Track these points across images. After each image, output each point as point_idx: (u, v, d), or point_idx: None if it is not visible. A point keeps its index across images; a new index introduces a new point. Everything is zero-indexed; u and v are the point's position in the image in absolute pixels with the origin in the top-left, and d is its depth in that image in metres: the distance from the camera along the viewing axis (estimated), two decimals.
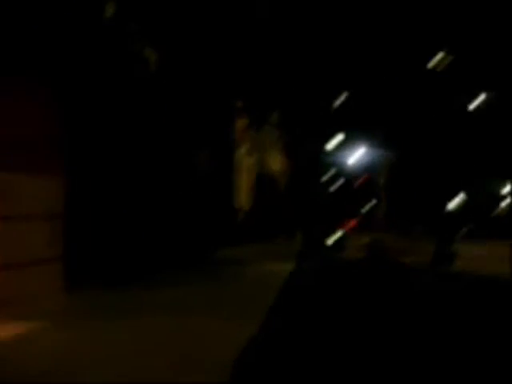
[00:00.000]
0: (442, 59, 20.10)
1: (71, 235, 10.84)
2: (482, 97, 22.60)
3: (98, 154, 11.94)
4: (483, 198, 55.56)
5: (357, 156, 29.02)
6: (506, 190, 56.87)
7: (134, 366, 5.63)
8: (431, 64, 19.82)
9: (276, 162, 42.47)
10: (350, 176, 38.50)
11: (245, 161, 31.74)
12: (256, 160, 34.54)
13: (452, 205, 35.32)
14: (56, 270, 10.31)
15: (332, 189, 36.38)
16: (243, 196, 31.28)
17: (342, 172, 35.47)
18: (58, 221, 10.44)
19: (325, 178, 36.74)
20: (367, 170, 32.14)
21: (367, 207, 59.99)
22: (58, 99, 10.41)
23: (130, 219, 13.75)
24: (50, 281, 10.01)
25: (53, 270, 10.22)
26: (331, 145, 29.40)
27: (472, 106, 22.73)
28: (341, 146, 29.15)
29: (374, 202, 25.50)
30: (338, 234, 29.07)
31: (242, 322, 7.76)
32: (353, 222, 65.86)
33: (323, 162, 34.76)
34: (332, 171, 36.72)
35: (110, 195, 12.72)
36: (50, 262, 10.14)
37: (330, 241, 29.06)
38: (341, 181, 37.40)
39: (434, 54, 19.87)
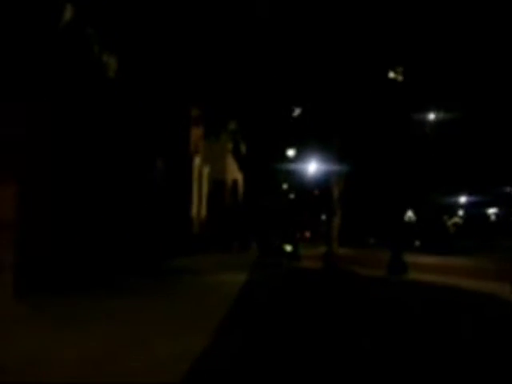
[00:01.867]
0: (397, 74, 20.43)
1: (23, 243, 10.62)
2: (436, 113, 23.04)
3: (53, 161, 11.75)
4: (435, 213, 56.68)
5: (312, 168, 29.21)
6: (461, 201, 58.22)
7: (74, 374, 5.51)
8: (389, 76, 20.11)
9: (232, 172, 42.51)
10: (305, 188, 38.77)
11: (201, 170, 31.68)
12: (212, 169, 34.54)
13: (405, 217, 35.83)
14: (6, 277, 10.08)
15: (287, 200, 36.55)
16: (199, 205, 31.19)
17: (297, 184, 35.69)
18: (9, 229, 10.21)
19: (280, 190, 36.92)
20: (322, 183, 32.41)
21: (322, 219, 60.47)
22: (14, 105, 10.22)
23: (84, 228, 13.56)
24: (0, 288, 9.77)
25: (3, 277, 9.99)
26: (287, 156, 29.53)
27: (426, 121, 23.16)
28: (296, 157, 29.33)
29: (328, 213, 25.66)
30: (293, 244, 29.24)
31: (189, 332, 7.70)
32: (307, 233, 66.37)
33: (278, 173, 34.92)
34: (287, 183, 36.92)
35: (63, 204, 12.51)
36: (1, 269, 9.90)
37: (286, 251, 29.19)
38: (296, 193, 37.63)
39: (390, 68, 20.16)
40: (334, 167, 24.55)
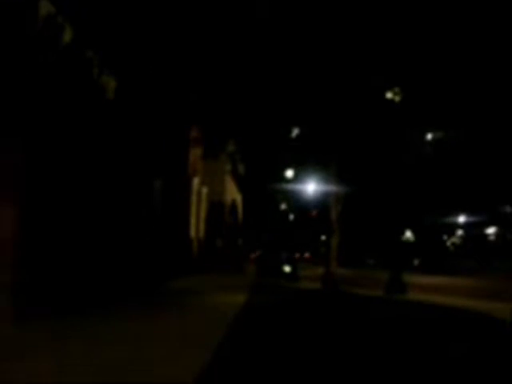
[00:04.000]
0: (395, 95, 20.54)
1: (22, 264, 10.60)
2: (433, 133, 23.13)
3: (54, 182, 11.77)
4: (434, 232, 56.66)
5: (310, 188, 29.24)
6: (459, 221, 58.21)
7: None
8: (386, 96, 20.21)
9: (230, 193, 42.53)
10: (304, 209, 38.76)
11: (199, 191, 31.71)
12: (210, 190, 34.58)
13: (404, 237, 35.77)
14: (5, 297, 10.05)
15: (286, 221, 36.54)
16: (198, 226, 31.18)
17: (295, 205, 35.69)
18: (8, 249, 10.21)
19: (279, 210, 36.90)
20: (320, 204, 32.42)
21: (321, 240, 60.39)
22: (13, 129, 10.25)
23: (83, 249, 13.54)
24: None
25: (1, 297, 9.96)
26: (285, 177, 29.59)
27: (425, 141, 23.23)
28: (295, 178, 29.37)
29: (327, 235, 25.65)
30: (292, 265, 29.17)
31: (185, 354, 7.69)
32: (307, 255, 66.25)
33: (277, 193, 34.95)
34: (286, 203, 36.93)
35: (63, 225, 12.51)
36: None
37: (285, 272, 29.12)
38: (295, 214, 37.62)
39: (388, 89, 20.28)
40: (332, 188, 24.57)
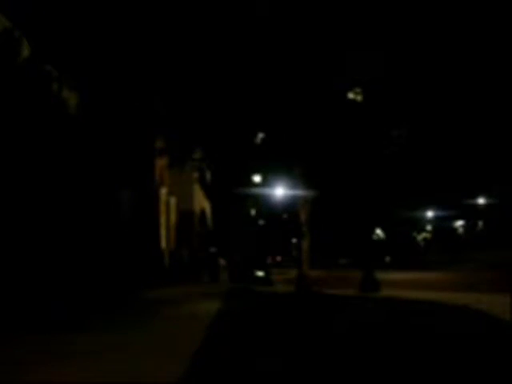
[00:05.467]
0: (356, 95, 20.66)
1: None
2: (398, 129, 23.31)
3: (18, 197, 11.60)
4: (404, 228, 57.20)
5: (279, 193, 29.28)
6: (428, 216, 58.85)
7: None
8: (348, 97, 20.34)
9: (199, 201, 42.41)
10: (274, 213, 38.78)
11: (167, 201, 31.55)
12: (179, 200, 34.42)
13: (374, 235, 36.03)
14: None
15: (257, 226, 36.54)
16: (168, 236, 30.99)
17: (265, 210, 35.71)
18: None
19: (248, 216, 36.88)
20: (289, 207, 32.49)
21: (291, 243, 60.50)
22: None
23: (49, 262, 13.34)
24: None
25: None
26: (253, 182, 29.57)
27: (389, 139, 23.39)
28: (262, 183, 29.38)
29: (297, 237, 25.71)
30: (265, 269, 29.18)
31: (167, 361, 7.64)
32: (279, 258, 66.37)
33: (246, 199, 34.94)
34: (255, 208, 36.93)
35: (25, 239, 12.33)
36: None
37: (258, 276, 29.09)
38: (265, 218, 37.64)
39: (349, 90, 20.42)
40: (299, 191, 24.62)
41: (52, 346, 9.31)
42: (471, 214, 60.17)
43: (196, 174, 37.46)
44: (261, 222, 37.40)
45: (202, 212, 43.40)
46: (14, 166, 11.54)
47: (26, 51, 11.77)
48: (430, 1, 18.71)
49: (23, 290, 11.89)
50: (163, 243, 28.96)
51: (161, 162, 27.63)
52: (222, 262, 43.41)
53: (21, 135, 11.73)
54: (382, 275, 22.05)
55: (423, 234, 65.61)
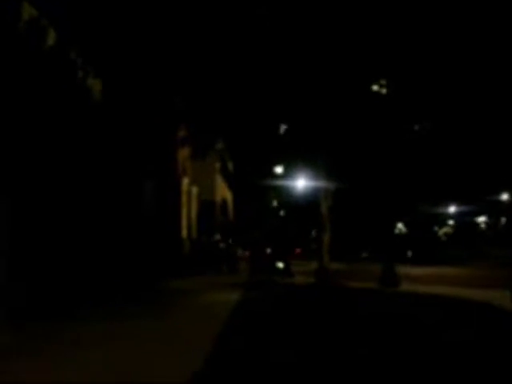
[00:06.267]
0: (381, 87, 20.53)
1: (11, 267, 10.57)
2: (423, 124, 23.16)
3: (44, 184, 11.72)
4: (425, 223, 56.84)
5: (300, 184, 29.23)
6: (449, 211, 58.43)
7: None
8: (372, 89, 20.22)
9: (221, 191, 42.51)
10: (295, 204, 38.72)
11: (189, 191, 31.66)
12: (200, 189, 34.53)
13: (396, 230, 35.81)
14: None
15: (277, 217, 36.53)
16: (189, 226, 31.12)
17: (286, 201, 35.66)
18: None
19: (270, 207, 36.87)
20: (311, 199, 32.43)
21: (312, 235, 60.41)
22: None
23: (74, 250, 13.49)
24: None
25: None
26: (275, 173, 29.56)
27: (412, 133, 23.25)
28: (284, 174, 29.35)
29: (318, 230, 25.66)
30: (285, 261, 29.17)
31: (185, 354, 7.70)
32: (298, 250, 66.39)
33: (267, 190, 34.93)
34: (277, 200, 36.92)
35: (53, 226, 12.46)
36: None
37: (278, 268, 29.11)
38: (286, 210, 37.62)
39: (374, 81, 20.29)
40: (321, 183, 24.57)
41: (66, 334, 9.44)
42: (494, 209, 59.60)
43: (218, 165, 37.53)
44: (282, 214, 37.40)
45: (224, 202, 43.49)
46: (41, 156, 11.66)
47: (51, 40, 11.86)
48: None
49: (47, 278, 12.04)
50: (184, 233, 29.08)
51: (183, 152, 27.71)
52: (241, 252, 43.50)
53: (47, 124, 11.84)
54: (403, 269, 21.97)
55: (445, 229, 65.13)
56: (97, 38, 13.85)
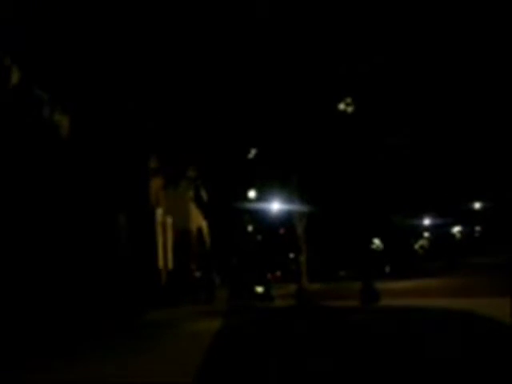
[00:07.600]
0: (347, 106, 20.72)
1: None
2: (391, 139, 23.37)
3: (12, 221, 11.57)
4: (401, 237, 57.19)
5: (275, 207, 29.27)
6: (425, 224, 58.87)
7: None
8: (339, 108, 20.39)
9: (196, 220, 42.35)
10: (271, 228, 38.78)
11: (164, 221, 31.49)
12: (175, 219, 34.35)
13: (373, 246, 35.94)
14: None
15: (254, 241, 36.52)
16: (165, 257, 30.92)
17: (262, 225, 35.71)
18: None
19: (246, 232, 36.85)
20: (286, 221, 32.46)
21: (289, 258, 60.40)
22: None
23: (45, 288, 13.29)
24: None
25: None
26: (248, 198, 29.56)
27: (382, 148, 23.42)
28: (258, 198, 29.36)
29: (295, 251, 25.70)
30: (265, 285, 29.09)
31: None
32: (278, 273, 66.24)
33: (243, 215, 34.92)
34: (252, 224, 36.90)
35: (20, 262, 12.28)
36: None
37: (258, 292, 29.01)
38: (262, 234, 37.64)
39: (340, 101, 20.46)
40: (295, 205, 24.65)
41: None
42: (468, 219, 60.26)
43: (191, 193, 37.43)
44: (259, 238, 37.39)
45: (199, 230, 43.33)
46: (8, 192, 11.53)
47: (15, 78, 11.81)
48: (424, 5, 18.71)
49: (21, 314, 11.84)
50: (161, 264, 28.87)
51: (156, 183, 27.62)
52: (219, 280, 43.27)
53: (14, 161, 11.73)
54: (382, 285, 22.02)
55: (421, 242, 65.58)
56: (62, 74, 13.82)
